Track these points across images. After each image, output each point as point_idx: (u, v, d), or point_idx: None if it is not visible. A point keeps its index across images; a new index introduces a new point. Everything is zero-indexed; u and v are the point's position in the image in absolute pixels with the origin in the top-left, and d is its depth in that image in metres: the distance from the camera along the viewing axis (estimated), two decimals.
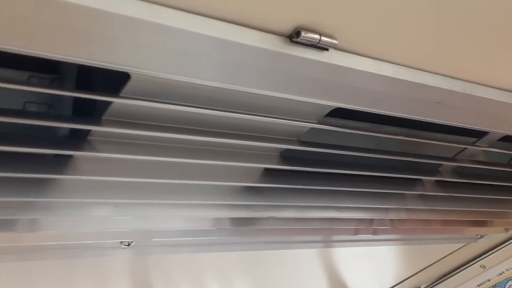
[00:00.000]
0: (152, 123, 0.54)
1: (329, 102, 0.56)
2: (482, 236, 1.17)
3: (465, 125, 0.67)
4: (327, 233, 0.89)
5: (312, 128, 0.61)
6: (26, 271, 0.75)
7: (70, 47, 0.40)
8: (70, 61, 0.41)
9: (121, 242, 0.74)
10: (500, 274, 1.29)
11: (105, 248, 0.75)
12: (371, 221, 0.87)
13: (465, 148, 0.76)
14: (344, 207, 0.79)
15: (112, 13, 0.38)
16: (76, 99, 0.53)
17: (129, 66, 0.43)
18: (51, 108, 0.54)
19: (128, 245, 0.74)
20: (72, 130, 0.52)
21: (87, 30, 0.38)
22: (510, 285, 1.28)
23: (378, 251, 1.10)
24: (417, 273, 1.34)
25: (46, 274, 0.78)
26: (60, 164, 0.54)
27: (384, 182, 0.78)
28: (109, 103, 0.49)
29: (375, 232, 0.92)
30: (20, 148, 0.47)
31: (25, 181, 0.54)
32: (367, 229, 0.90)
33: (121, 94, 0.48)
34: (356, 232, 0.90)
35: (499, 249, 1.25)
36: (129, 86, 0.47)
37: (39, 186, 0.55)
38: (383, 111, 0.59)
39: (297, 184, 0.69)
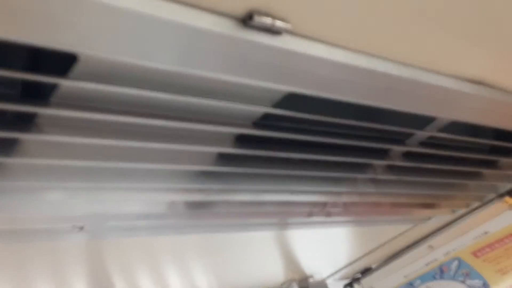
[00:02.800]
0: (103, 107, 0.53)
1: (282, 87, 0.56)
2: (430, 218, 1.22)
3: (414, 111, 0.69)
4: (282, 216, 0.90)
5: (266, 113, 0.62)
6: None
7: (13, 27, 0.38)
8: (13, 42, 0.39)
9: (73, 226, 0.73)
10: (447, 254, 1.34)
11: (57, 232, 0.74)
12: (324, 204, 0.89)
13: (414, 133, 0.78)
14: (298, 191, 0.80)
15: None
16: (24, 81, 0.52)
17: (76, 48, 0.42)
18: None
19: (81, 228, 0.73)
20: (19, 112, 0.50)
21: (31, 9, 0.37)
22: (456, 265, 1.33)
23: (331, 232, 1.13)
24: (368, 253, 1.37)
25: None
26: (7, 147, 0.52)
27: (337, 166, 0.79)
28: (57, 85, 0.48)
29: (328, 215, 0.94)
30: None
31: None
32: (320, 212, 0.92)
33: (69, 76, 0.47)
34: (310, 214, 0.91)
35: (446, 230, 1.30)
36: (77, 68, 0.46)
37: None
38: (334, 96, 0.60)
39: (252, 168, 0.69)
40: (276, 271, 1.30)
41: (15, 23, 0.38)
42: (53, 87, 0.48)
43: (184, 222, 0.83)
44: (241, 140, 0.65)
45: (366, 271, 1.51)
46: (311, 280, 1.42)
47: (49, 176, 0.58)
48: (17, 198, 0.59)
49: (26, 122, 0.51)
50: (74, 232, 0.74)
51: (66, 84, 0.47)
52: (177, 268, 1.05)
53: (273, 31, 0.49)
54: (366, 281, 1.51)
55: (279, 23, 0.48)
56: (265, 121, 0.64)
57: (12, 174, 0.56)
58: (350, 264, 1.42)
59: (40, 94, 0.51)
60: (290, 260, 1.26)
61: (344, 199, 0.86)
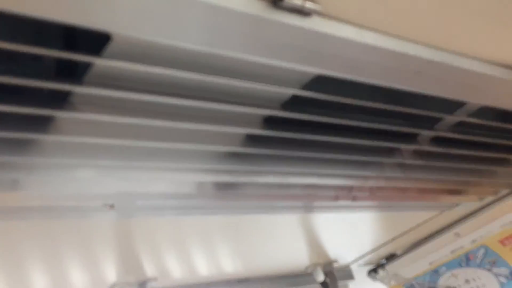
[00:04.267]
0: (135, 86, 0.54)
1: (310, 69, 0.56)
2: (457, 205, 1.20)
3: (444, 95, 0.68)
4: (308, 199, 0.90)
5: (295, 95, 0.62)
6: (8, 232, 0.76)
7: (48, 5, 0.39)
8: (49, 20, 0.40)
9: (103, 204, 0.74)
10: (473, 241, 1.33)
11: (87, 210, 0.76)
12: (350, 188, 0.89)
13: (444, 118, 0.78)
14: (324, 174, 0.81)
15: None
16: (57, 60, 0.53)
17: (109, 27, 0.43)
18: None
19: (111, 207, 0.75)
20: (53, 91, 0.52)
21: None
22: (483, 253, 1.32)
23: (357, 217, 1.13)
24: (393, 239, 1.37)
25: (28, 235, 0.78)
26: (41, 124, 0.54)
27: (364, 150, 0.79)
28: (91, 64, 0.49)
29: (354, 199, 0.94)
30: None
31: (6, 141, 0.54)
32: (346, 196, 0.92)
33: (102, 55, 0.48)
34: (336, 198, 0.92)
35: (473, 218, 1.28)
36: (111, 48, 0.47)
37: (21, 146, 0.55)
38: (363, 79, 0.60)
39: (279, 150, 0.70)
40: (301, 254, 1.31)
41: (50, 1, 0.39)
42: (87, 66, 0.50)
43: (211, 203, 0.84)
44: (269, 122, 0.66)
45: (391, 257, 1.50)
46: (335, 264, 1.43)
47: (81, 153, 0.60)
48: (49, 175, 0.61)
49: (60, 101, 0.52)
50: (104, 210, 0.76)
51: (100, 63, 0.48)
52: (203, 249, 1.07)
53: (303, 12, 0.49)
54: (391, 267, 1.51)
55: (309, 4, 0.48)
56: (293, 103, 0.64)
57: (45, 151, 0.57)
58: (375, 250, 1.42)
59: (73, 73, 0.52)
60: (315, 244, 1.27)
61: (371, 183, 0.86)
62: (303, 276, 1.41)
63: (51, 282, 0.95)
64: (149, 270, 1.05)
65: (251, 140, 0.68)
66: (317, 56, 0.54)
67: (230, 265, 1.20)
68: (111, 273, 1.01)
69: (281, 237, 1.14)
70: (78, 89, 0.51)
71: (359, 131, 0.74)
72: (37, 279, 0.92)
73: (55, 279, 0.95)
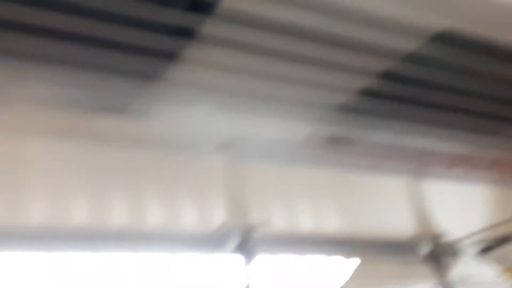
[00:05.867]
0: (261, 30, 0.55)
1: (438, 22, 0.53)
2: None
3: None
4: (419, 163, 0.87)
5: (417, 50, 0.59)
6: (130, 161, 0.81)
7: None
8: None
9: (216, 145, 0.77)
10: None
11: (201, 149, 0.79)
12: (467, 157, 0.84)
13: None
14: (441, 137, 0.77)
15: None
16: None
17: None
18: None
19: (223, 148, 0.78)
20: (181, 27, 0.54)
21: None
22: None
23: (471, 191, 1.07)
24: (510, 220, 1.28)
25: (148, 165, 0.83)
26: (169, 59, 0.57)
27: (489, 117, 0.74)
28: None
29: (470, 169, 0.89)
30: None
31: (134, 73, 0.58)
32: (462, 165, 0.87)
33: None
34: (449, 166, 0.87)
35: None
36: None
37: (148, 78, 0.59)
38: (498, 40, 0.56)
39: (394, 109, 0.68)
40: (406, 223, 1.27)
41: None
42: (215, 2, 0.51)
43: (320, 156, 0.84)
44: (387, 77, 0.64)
45: (504, 239, 1.41)
46: (441, 239, 1.37)
47: (202, 90, 0.62)
48: (172, 109, 0.65)
49: (187, 36, 0.54)
50: (216, 153, 0.79)
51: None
52: (308, 204, 1.07)
53: None
54: (503, 250, 1.42)
55: None
56: (413, 58, 0.61)
57: (171, 85, 0.61)
58: (488, 229, 1.33)
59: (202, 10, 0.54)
60: (422, 214, 1.22)
61: (491, 154, 0.81)
62: (406, 246, 1.36)
63: (165, 214, 1.01)
64: (254, 217, 1.07)
65: (367, 94, 0.66)
66: (449, 6, 0.51)
67: (332, 223, 1.20)
68: (218, 216, 1.04)
69: (388, 201, 1.11)
70: (206, 23, 0.52)
71: (482, 97, 0.69)
72: (152, 209, 0.98)
73: (168, 211, 1.00)
